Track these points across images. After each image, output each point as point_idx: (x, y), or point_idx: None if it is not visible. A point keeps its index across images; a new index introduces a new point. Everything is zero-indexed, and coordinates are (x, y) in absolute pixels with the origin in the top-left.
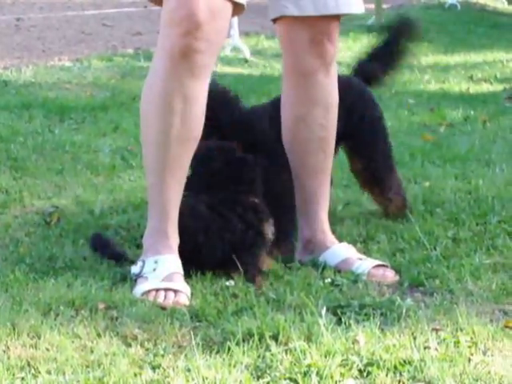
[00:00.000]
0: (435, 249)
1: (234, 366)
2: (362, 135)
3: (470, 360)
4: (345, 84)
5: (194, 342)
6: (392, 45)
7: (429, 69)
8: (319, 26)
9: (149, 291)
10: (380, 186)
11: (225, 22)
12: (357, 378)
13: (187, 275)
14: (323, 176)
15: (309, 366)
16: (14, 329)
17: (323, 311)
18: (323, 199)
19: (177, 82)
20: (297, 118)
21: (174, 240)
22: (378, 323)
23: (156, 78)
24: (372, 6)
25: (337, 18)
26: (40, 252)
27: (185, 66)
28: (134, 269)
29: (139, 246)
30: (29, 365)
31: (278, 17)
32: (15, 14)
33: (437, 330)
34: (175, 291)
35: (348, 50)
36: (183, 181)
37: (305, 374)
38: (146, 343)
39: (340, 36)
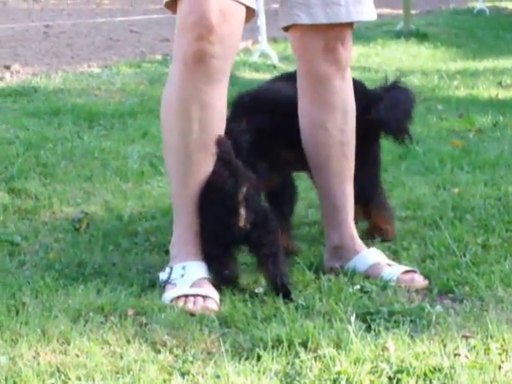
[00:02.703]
0: (465, 255)
1: (264, 373)
2: None
3: (500, 367)
4: None
5: (223, 349)
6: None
7: (457, 74)
8: (332, 33)
9: (178, 297)
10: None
11: (238, 25)
12: None
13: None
14: (347, 181)
15: (338, 373)
16: (43, 335)
17: (352, 318)
18: (349, 205)
19: (193, 89)
20: (316, 124)
21: (201, 246)
22: (408, 330)
23: (172, 85)
24: (400, 11)
25: (350, 24)
26: (69, 258)
27: (200, 72)
28: (163, 275)
29: (168, 252)
30: (58, 371)
31: (290, 25)
32: (44, 21)
33: (467, 337)
34: (204, 297)
35: (376, 57)
36: None
37: (334, 381)
38: (175, 349)
39: (368, 42)
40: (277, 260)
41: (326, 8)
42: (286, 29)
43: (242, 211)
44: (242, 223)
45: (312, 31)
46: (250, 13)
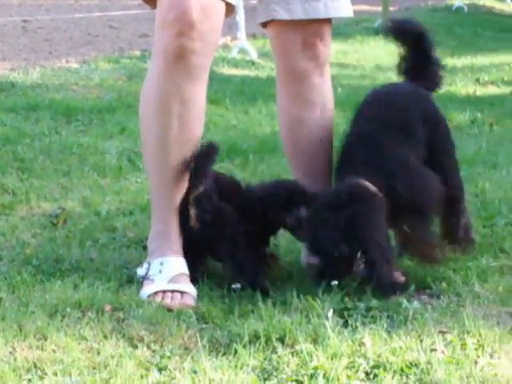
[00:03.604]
0: (442, 251)
1: (241, 368)
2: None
3: (476, 363)
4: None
5: (200, 344)
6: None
7: None
8: (311, 29)
9: (155, 293)
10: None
11: (218, 21)
12: (363, 380)
13: (193, 278)
14: (326, 177)
15: (315, 368)
16: (20, 330)
17: (330, 314)
18: None
19: (173, 85)
20: (295, 120)
21: (178, 242)
22: (385, 326)
23: (152, 81)
24: (379, 8)
25: (328, 20)
26: (47, 254)
27: (180, 68)
28: (140, 271)
29: (146, 248)
30: (35, 366)
31: (269, 21)
32: (22, 16)
33: (443, 333)
34: (182, 293)
35: (355, 53)
36: (185, 183)
37: (311, 376)
38: (152, 345)
39: (347, 39)
40: (237, 258)
41: (305, 4)
42: (264, 25)
43: (192, 211)
44: (192, 222)
45: (290, 27)
46: (230, 8)
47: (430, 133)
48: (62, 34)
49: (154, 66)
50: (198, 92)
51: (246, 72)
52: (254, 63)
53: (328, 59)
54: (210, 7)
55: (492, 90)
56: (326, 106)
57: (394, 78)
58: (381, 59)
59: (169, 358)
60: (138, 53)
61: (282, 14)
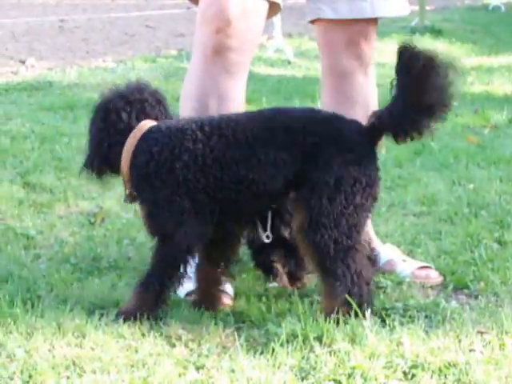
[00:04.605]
0: (480, 251)
1: (278, 367)
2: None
3: None
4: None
5: (237, 343)
6: None
7: (473, 71)
8: (356, 28)
9: (193, 292)
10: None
11: (258, 20)
12: (401, 380)
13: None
14: None
15: (353, 367)
16: (59, 328)
17: (367, 313)
18: None
19: (212, 81)
20: None
21: None
22: (423, 325)
23: (192, 77)
24: (416, 7)
25: (374, 20)
26: (84, 252)
27: (218, 64)
28: None
29: None
30: (74, 364)
31: (315, 19)
32: (59, 16)
33: (482, 333)
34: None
35: (391, 52)
36: None
37: (349, 375)
38: (190, 343)
39: (383, 38)
40: None
41: (351, 3)
42: (312, 22)
43: None
44: None
45: (336, 26)
46: (275, 7)
47: None
48: (99, 33)
49: (194, 63)
50: (236, 88)
51: (282, 71)
52: (289, 62)
53: (372, 59)
54: (249, 5)
55: None
56: (369, 106)
57: None
58: None
59: (206, 356)
60: (174, 52)
61: (328, 13)
